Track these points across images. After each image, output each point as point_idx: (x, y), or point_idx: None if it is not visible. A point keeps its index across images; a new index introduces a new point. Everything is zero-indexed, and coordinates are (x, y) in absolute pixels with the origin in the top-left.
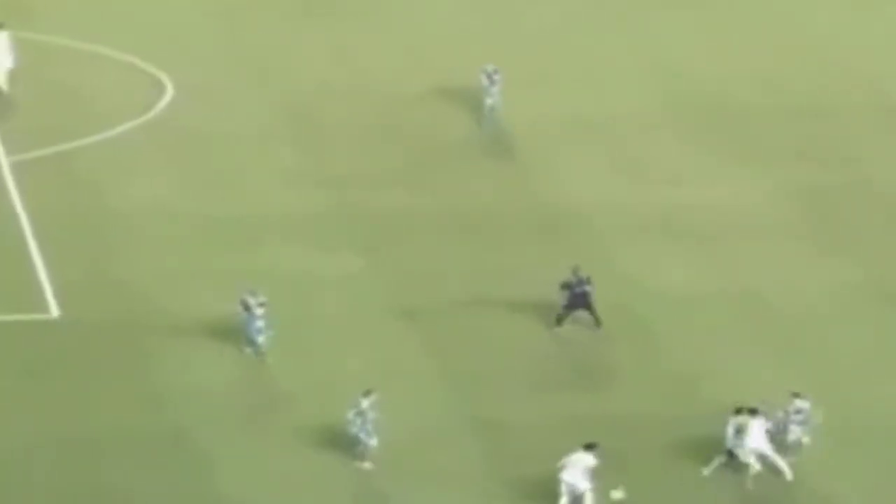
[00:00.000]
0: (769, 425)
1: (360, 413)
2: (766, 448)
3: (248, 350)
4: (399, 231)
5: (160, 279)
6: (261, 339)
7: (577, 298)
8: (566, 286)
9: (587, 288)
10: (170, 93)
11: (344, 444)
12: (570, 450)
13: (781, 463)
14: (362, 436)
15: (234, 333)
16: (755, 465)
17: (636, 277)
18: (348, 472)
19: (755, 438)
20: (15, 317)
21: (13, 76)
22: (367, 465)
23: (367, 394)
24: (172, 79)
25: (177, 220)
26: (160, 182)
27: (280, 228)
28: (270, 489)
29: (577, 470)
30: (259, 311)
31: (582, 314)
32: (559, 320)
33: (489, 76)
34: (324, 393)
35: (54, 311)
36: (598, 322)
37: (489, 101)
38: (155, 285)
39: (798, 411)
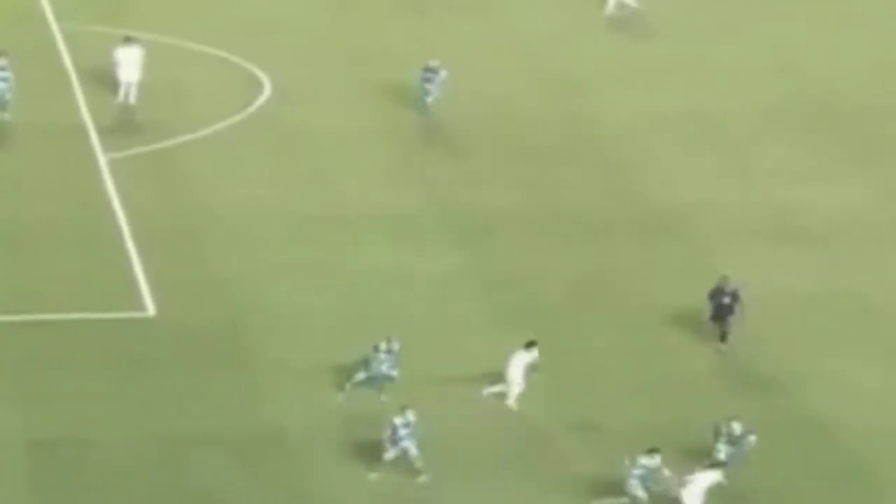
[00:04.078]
0: None
1: (394, 427)
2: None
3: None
4: (497, 231)
5: (257, 278)
6: (394, 372)
7: (720, 309)
8: (712, 295)
9: (726, 300)
10: (267, 90)
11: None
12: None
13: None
14: (406, 445)
15: (333, 335)
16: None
17: (743, 279)
18: (445, 480)
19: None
20: (112, 315)
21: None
22: (423, 478)
23: (402, 409)
24: (269, 76)
25: (273, 219)
26: (256, 180)
27: (377, 227)
28: (365, 494)
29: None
30: (384, 356)
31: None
32: (721, 337)
33: (430, 71)
34: (420, 394)
35: (151, 309)
36: (723, 338)
37: (429, 99)
38: (251, 284)
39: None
